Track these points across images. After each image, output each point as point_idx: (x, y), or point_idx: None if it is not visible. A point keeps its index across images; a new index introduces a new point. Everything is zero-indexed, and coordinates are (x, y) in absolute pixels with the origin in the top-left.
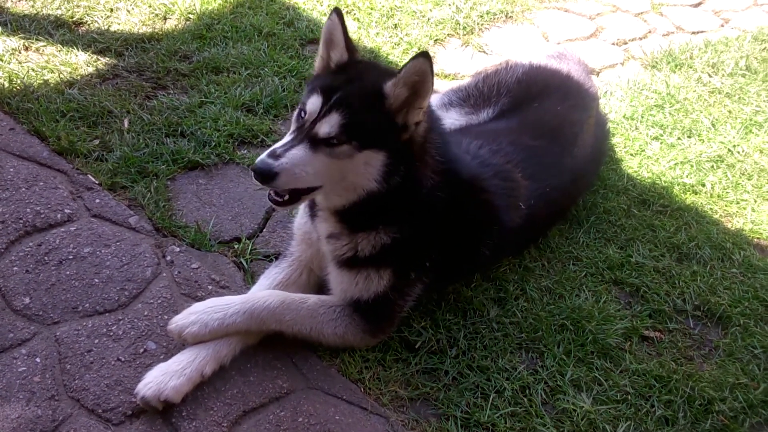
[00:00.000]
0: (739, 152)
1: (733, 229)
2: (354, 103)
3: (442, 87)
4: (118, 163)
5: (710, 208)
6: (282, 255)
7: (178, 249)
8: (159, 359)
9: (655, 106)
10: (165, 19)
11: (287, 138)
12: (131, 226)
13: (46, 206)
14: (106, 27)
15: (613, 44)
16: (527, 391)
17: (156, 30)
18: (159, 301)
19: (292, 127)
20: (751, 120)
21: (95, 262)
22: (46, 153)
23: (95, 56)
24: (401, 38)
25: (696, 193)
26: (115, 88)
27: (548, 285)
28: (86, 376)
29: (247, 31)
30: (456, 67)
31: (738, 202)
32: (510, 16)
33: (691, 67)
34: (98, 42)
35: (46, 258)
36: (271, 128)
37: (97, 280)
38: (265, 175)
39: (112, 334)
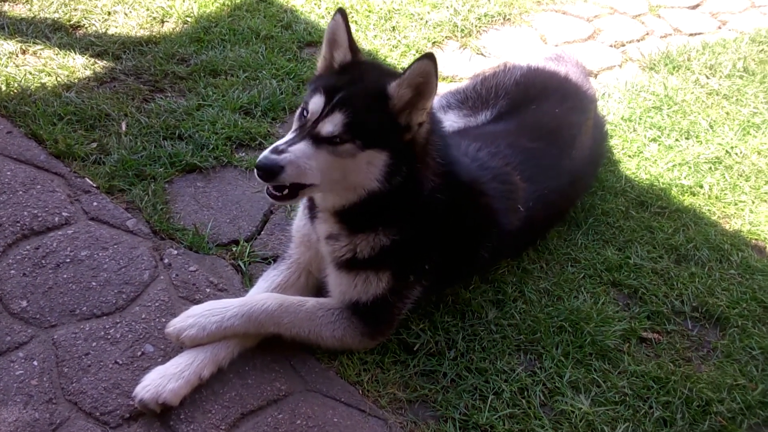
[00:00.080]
0: (737, 154)
1: (731, 230)
2: (357, 102)
3: (440, 89)
4: (116, 166)
5: (708, 210)
6: (280, 257)
7: (175, 252)
8: (157, 362)
9: (653, 107)
10: (162, 22)
11: (289, 136)
12: (129, 229)
13: (43, 209)
14: (103, 30)
15: (611, 46)
16: (526, 393)
17: (153, 33)
18: (157, 304)
19: (294, 126)
20: (748, 122)
21: (93, 265)
22: (44, 156)
23: (93, 59)
24: (399, 41)
25: (694, 195)
26: (112, 91)
27: (546, 287)
28: (84, 379)
29: (244, 34)
30: (454, 70)
31: (736, 204)
32: (508, 19)
33: (688, 69)
34: (96, 45)
35: (43, 261)
36: (269, 131)
37: (94, 284)
38: (271, 171)
39: (109, 337)
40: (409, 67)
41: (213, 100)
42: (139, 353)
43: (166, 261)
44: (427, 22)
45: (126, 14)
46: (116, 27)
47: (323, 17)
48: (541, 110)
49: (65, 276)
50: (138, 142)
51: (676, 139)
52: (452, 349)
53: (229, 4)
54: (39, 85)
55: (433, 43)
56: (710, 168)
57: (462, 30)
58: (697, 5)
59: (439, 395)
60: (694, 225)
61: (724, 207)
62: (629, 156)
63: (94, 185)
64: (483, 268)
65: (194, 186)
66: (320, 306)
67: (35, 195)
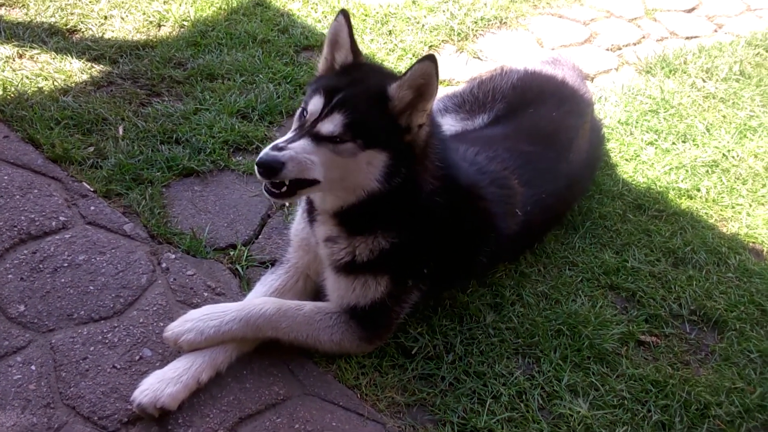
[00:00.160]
0: (733, 157)
1: (728, 233)
2: (357, 103)
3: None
4: (113, 170)
5: (705, 213)
6: (278, 261)
7: (173, 256)
8: (155, 366)
9: (649, 111)
10: (159, 26)
11: (289, 135)
12: (126, 233)
13: (40, 214)
14: (100, 34)
15: (608, 50)
16: (524, 397)
17: (150, 37)
18: (154, 309)
19: (293, 126)
20: (745, 125)
21: (90, 270)
22: (41, 160)
23: (89, 64)
24: (396, 44)
25: (691, 198)
26: (109, 95)
27: (544, 290)
28: (82, 383)
29: (241, 37)
30: (451, 73)
31: (733, 207)
32: (504, 22)
33: (685, 72)
34: (92, 49)
35: (41, 266)
36: (266, 135)
37: (92, 288)
38: (272, 168)
39: (107, 341)
40: (411, 68)
41: (210, 104)
42: (137, 357)
43: (163, 265)
44: (423, 26)
45: (123, 18)
46: (113, 31)
47: (320, 21)
48: (538, 114)
49: (63, 280)
50: (135, 146)
51: (673, 143)
52: (450, 352)
53: (226, 8)
54: (36, 89)
55: (430, 46)
56: (707, 171)
57: (459, 34)
58: (693, 8)
59: (438, 399)
60: (691, 228)
61: (721, 210)
62: (626, 159)
63: (92, 189)
64: (481, 271)
65: (191, 190)
66: (318, 310)
67: (32, 199)
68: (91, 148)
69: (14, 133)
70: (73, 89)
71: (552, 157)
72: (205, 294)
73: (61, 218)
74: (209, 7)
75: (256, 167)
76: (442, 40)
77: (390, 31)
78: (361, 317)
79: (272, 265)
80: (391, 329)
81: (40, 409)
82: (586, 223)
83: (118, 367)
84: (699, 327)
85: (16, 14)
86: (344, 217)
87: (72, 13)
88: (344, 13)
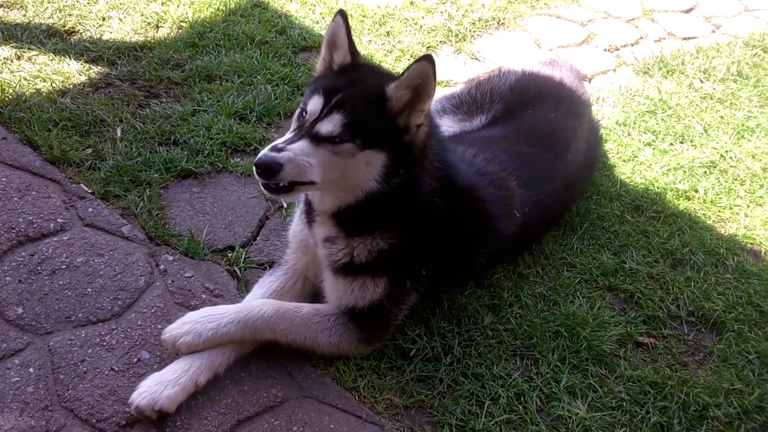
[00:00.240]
0: (731, 158)
1: (726, 234)
2: (356, 103)
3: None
4: (111, 171)
5: (703, 214)
6: (276, 263)
7: (171, 258)
8: (153, 369)
9: (647, 112)
10: (157, 27)
11: (287, 135)
12: (124, 235)
13: (38, 216)
14: (98, 36)
15: (605, 50)
16: (522, 399)
17: (148, 38)
18: (152, 311)
19: (292, 127)
20: (743, 125)
21: (88, 272)
22: (39, 162)
23: (87, 65)
24: (394, 46)
25: (689, 199)
26: (107, 96)
27: (542, 292)
28: (80, 386)
29: (239, 39)
30: (448, 74)
31: (731, 208)
32: (502, 23)
33: (682, 73)
34: (90, 51)
35: (39, 268)
36: (264, 136)
37: (90, 290)
38: (270, 169)
39: (105, 343)
40: (408, 68)
41: (208, 106)
42: (135, 360)
43: (161, 267)
44: (421, 27)
45: (120, 20)
46: (111, 32)
47: (317, 22)
48: (536, 115)
49: (61, 282)
50: (133, 147)
51: (671, 144)
52: (448, 354)
53: (224, 9)
54: (34, 90)
55: (428, 47)
56: (705, 172)
57: (456, 35)
58: (691, 9)
59: (436, 401)
60: (689, 229)
61: (719, 211)
62: (624, 160)
63: (90, 191)
64: (479, 273)
65: (189, 192)
66: (316, 312)
67: (30, 201)
68: (89, 150)
69: (12, 134)
70: (71, 91)
71: (550, 158)
72: (203, 296)
73: (59, 220)
74: (207, 9)
75: (254, 167)
76: (440, 41)
77: (388, 32)
78: (360, 319)
79: (270, 266)
80: (390, 331)
81: (38, 412)
82: (584, 225)
83: (116, 369)
84: (697, 328)
85: (14, 15)
86: (343, 217)
87: (70, 15)
88: (342, 14)
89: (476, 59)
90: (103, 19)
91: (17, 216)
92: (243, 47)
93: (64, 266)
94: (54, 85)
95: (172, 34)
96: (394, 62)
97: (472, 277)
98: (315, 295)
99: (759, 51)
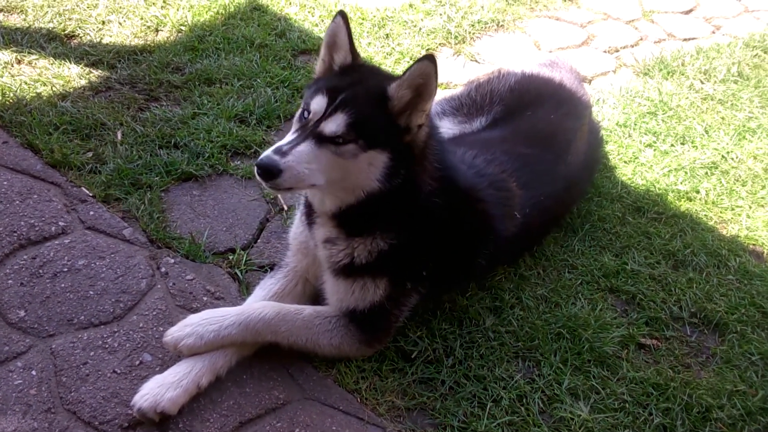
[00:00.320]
0: (732, 159)
1: (728, 235)
2: (360, 103)
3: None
4: (112, 175)
5: (705, 215)
6: (277, 265)
7: (172, 260)
8: (155, 371)
9: (647, 113)
10: (157, 31)
11: (291, 136)
12: (125, 238)
13: (40, 219)
14: (98, 40)
15: (605, 52)
16: (524, 400)
17: (148, 42)
18: (154, 313)
19: (295, 127)
20: (744, 126)
21: (90, 275)
22: (40, 166)
23: (88, 69)
24: (393, 48)
25: (690, 200)
26: (107, 100)
27: (544, 293)
28: (82, 388)
29: (239, 42)
30: (448, 77)
31: (733, 209)
32: (501, 25)
33: (683, 74)
34: (90, 54)
35: (40, 271)
36: (264, 139)
37: (92, 293)
38: (270, 172)
39: (107, 346)
40: (410, 68)
41: (208, 109)
42: (137, 362)
43: (163, 270)
44: (420, 29)
45: (120, 23)
46: (111, 36)
47: (317, 25)
48: (536, 116)
49: (63, 285)
50: (134, 151)
51: (672, 145)
52: (450, 356)
53: (223, 12)
54: (34, 94)
55: (427, 50)
56: (706, 173)
57: (456, 37)
58: (691, 10)
59: (438, 403)
60: (691, 230)
61: (720, 212)
62: (625, 162)
63: (91, 194)
64: (480, 274)
65: (190, 194)
66: (317, 314)
67: (32, 205)
68: (90, 153)
69: (13, 138)
70: (71, 94)
71: (550, 159)
72: (205, 298)
73: (60, 223)
74: (206, 12)
75: (255, 168)
76: (440, 44)
77: (387, 34)
78: (361, 320)
79: (271, 269)
80: (391, 332)
81: (41, 414)
82: (585, 226)
83: (119, 371)
84: (700, 329)
85: (14, 20)
86: (343, 218)
87: (70, 19)
88: (342, 15)
89: (476, 61)
90: (103, 23)
91: (19, 219)
92: (242, 50)
93: (65, 269)
94: (54, 88)
95: (171, 37)
96: (394, 64)
97: (473, 278)
98: (316, 298)
99: (759, 52)
